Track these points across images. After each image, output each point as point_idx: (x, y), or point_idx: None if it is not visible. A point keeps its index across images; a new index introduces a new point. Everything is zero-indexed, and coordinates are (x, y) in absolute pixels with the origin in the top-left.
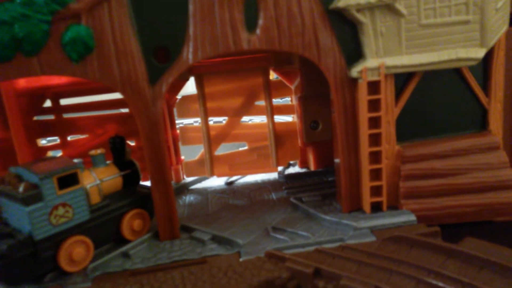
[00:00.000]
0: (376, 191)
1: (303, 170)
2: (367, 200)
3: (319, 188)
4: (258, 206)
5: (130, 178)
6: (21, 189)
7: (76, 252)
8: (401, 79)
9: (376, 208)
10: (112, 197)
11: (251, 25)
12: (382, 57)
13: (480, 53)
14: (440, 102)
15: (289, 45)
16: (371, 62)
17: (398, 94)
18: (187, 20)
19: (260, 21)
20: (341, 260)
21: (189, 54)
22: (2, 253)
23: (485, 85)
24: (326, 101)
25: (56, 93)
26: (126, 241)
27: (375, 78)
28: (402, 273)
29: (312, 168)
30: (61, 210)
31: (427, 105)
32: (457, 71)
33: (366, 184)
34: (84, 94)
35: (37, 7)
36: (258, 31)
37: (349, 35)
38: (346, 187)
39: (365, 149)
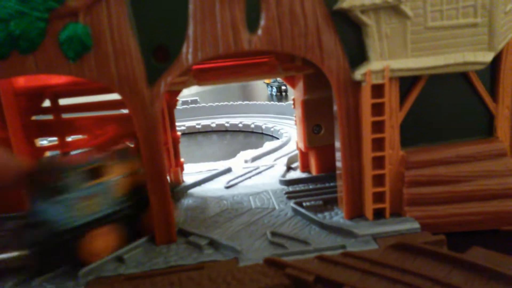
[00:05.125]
0: (379, 197)
1: (305, 174)
2: (369, 206)
3: (320, 193)
4: (257, 211)
5: None
6: (53, 180)
7: (101, 242)
8: (406, 82)
9: (379, 215)
10: (136, 190)
11: (252, 26)
12: (386, 59)
13: (488, 57)
14: (446, 107)
15: (292, 46)
16: (375, 64)
17: (402, 98)
18: (187, 20)
19: (262, 22)
20: (343, 268)
21: (188, 54)
22: (33, 241)
23: (493, 90)
24: (329, 104)
25: (55, 93)
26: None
27: (379, 81)
28: (406, 283)
29: (314, 172)
30: (87, 202)
31: (433, 110)
32: (464, 75)
33: (369, 190)
34: (83, 94)
35: (34, 4)
36: (259, 31)
37: (353, 37)
38: (348, 193)
39: (368, 154)
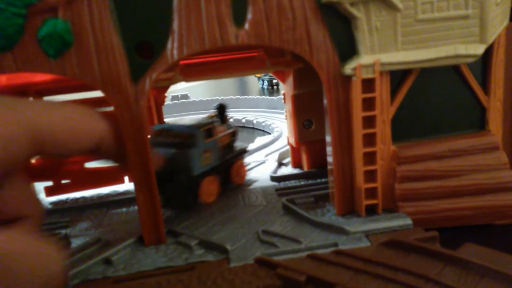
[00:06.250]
0: (370, 193)
1: (296, 170)
2: (361, 202)
3: (312, 190)
4: (248, 209)
5: (233, 136)
6: (182, 138)
7: (211, 188)
8: (397, 76)
9: (371, 211)
10: (225, 149)
11: (239, 20)
12: (377, 53)
13: (480, 49)
14: (437, 100)
15: (280, 40)
16: (365, 58)
17: (393, 92)
18: (172, 14)
19: (249, 15)
20: (335, 267)
21: (173, 50)
22: (179, 183)
23: (484, 83)
24: (319, 99)
25: (39, 91)
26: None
27: (369, 75)
28: (399, 281)
29: (305, 168)
30: (207, 154)
31: (424, 103)
32: (455, 68)
33: (361, 186)
34: (68, 91)
35: (11, 0)
36: (246, 25)
37: (342, 30)
38: (339, 189)
39: (359, 150)
